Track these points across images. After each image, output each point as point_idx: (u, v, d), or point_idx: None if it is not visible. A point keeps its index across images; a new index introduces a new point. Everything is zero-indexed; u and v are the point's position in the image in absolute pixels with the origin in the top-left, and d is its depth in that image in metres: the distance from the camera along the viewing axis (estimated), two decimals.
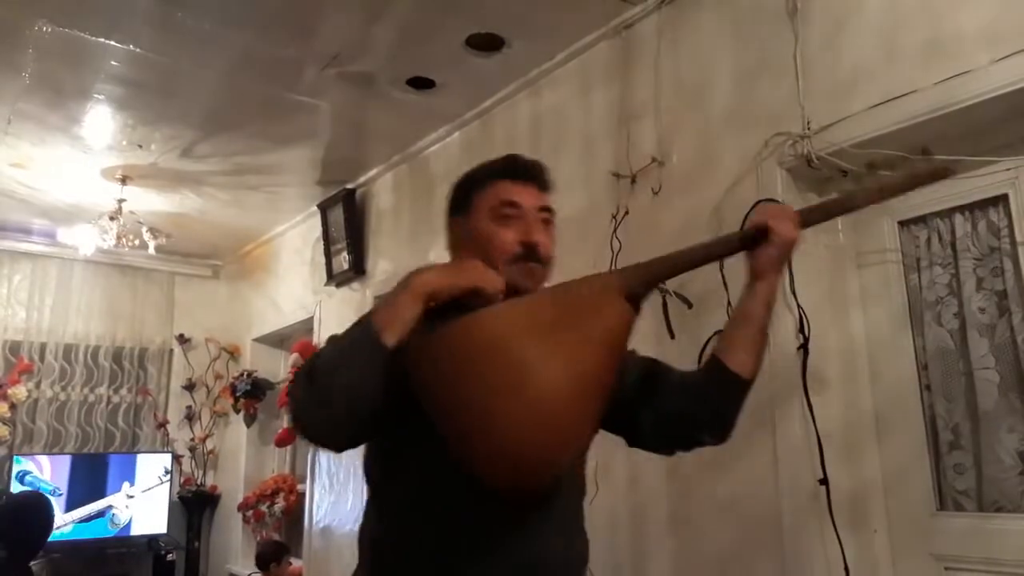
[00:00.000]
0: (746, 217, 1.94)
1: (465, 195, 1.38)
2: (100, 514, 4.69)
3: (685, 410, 1.32)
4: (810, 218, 1.32)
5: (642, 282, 1.18)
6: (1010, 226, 1.81)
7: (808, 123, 1.99)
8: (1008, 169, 1.78)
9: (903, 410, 1.95)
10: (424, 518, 1.19)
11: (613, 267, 2.39)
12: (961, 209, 1.90)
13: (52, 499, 4.13)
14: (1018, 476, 1.76)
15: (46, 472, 4.59)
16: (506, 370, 1.03)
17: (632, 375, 1.34)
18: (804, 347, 1.94)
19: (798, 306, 1.96)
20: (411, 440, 1.18)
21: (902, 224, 2.01)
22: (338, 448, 1.22)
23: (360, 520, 1.31)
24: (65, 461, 4.72)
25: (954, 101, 1.71)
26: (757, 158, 2.10)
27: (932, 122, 1.75)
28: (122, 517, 4.75)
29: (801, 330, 1.95)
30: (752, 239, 1.26)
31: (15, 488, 4.40)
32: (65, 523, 4.49)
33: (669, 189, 2.35)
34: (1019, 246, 1.78)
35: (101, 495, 4.71)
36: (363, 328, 1.10)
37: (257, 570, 4.04)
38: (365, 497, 1.32)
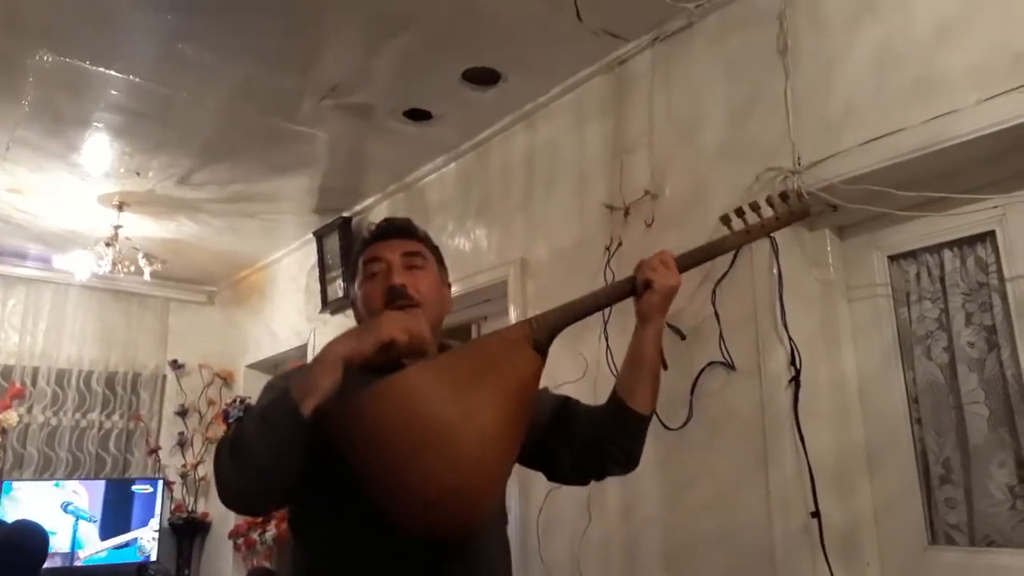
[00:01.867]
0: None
1: (351, 267, 1.50)
2: (127, 544, 4.74)
3: (596, 445, 1.41)
4: (686, 263, 1.43)
5: (546, 330, 1.26)
6: (998, 262, 1.83)
7: (799, 159, 2.02)
8: (995, 207, 1.81)
9: (894, 444, 1.96)
10: (342, 564, 1.25)
11: None
12: (950, 245, 1.93)
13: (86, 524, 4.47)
14: (1009, 510, 1.77)
15: (83, 500, 4.63)
16: (424, 428, 1.10)
17: (546, 414, 1.44)
18: (796, 380, 1.95)
19: (789, 339, 1.97)
20: (329, 490, 1.22)
21: (892, 259, 2.04)
22: (262, 513, 1.28)
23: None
24: (99, 487, 4.76)
25: (942, 139, 1.74)
26: (748, 192, 2.12)
27: (920, 159, 1.78)
28: (148, 548, 4.77)
29: (793, 363, 1.97)
30: (639, 287, 1.38)
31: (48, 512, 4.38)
32: (100, 550, 4.62)
33: (662, 221, 2.38)
34: (1007, 282, 1.80)
35: (127, 521, 4.77)
36: (281, 400, 1.12)
37: None
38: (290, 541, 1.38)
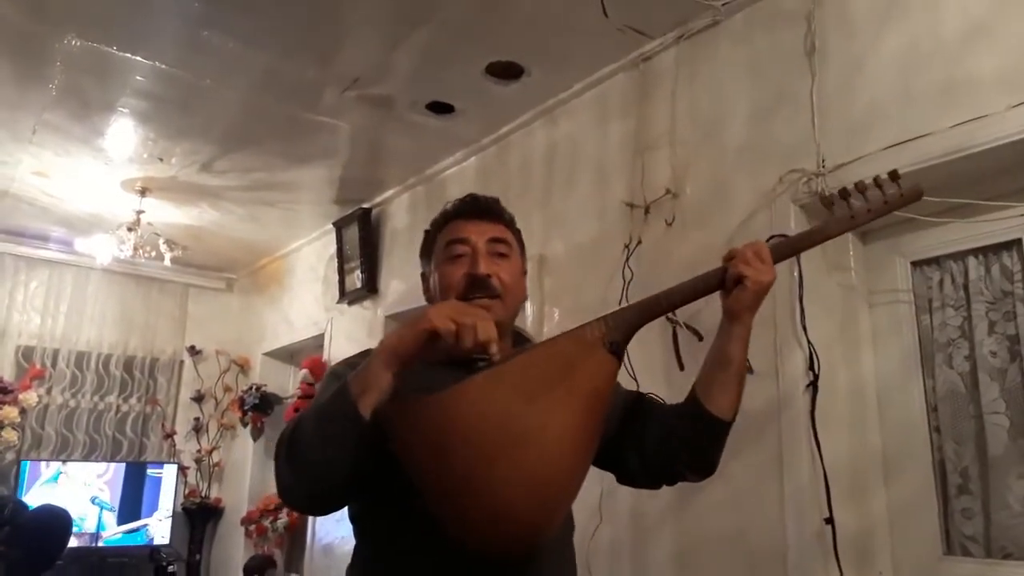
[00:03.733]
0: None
1: (427, 241, 1.42)
2: (138, 529, 4.83)
3: (669, 450, 1.32)
4: (782, 254, 1.30)
5: (622, 330, 1.19)
6: (1023, 271, 1.80)
7: (823, 161, 2.00)
8: (1022, 215, 1.78)
9: (911, 452, 1.94)
10: (402, 563, 1.20)
11: (624, 296, 2.39)
12: (975, 252, 1.90)
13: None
14: None
15: (106, 494, 4.75)
16: (494, 439, 1.03)
17: (618, 411, 1.35)
18: (813, 385, 1.94)
19: (808, 343, 1.96)
20: (392, 492, 1.17)
21: (915, 265, 2.01)
22: (324, 514, 1.24)
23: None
24: (118, 471, 4.87)
25: (969, 145, 1.72)
26: (771, 194, 2.11)
27: (947, 165, 1.75)
28: (154, 533, 4.86)
29: (811, 368, 1.95)
30: (728, 281, 1.26)
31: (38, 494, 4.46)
32: (116, 532, 4.75)
33: (682, 221, 2.36)
34: None
35: (141, 505, 4.87)
36: (338, 399, 1.07)
37: None
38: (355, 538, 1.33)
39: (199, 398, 5.37)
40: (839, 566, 1.83)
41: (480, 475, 1.02)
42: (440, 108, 3.06)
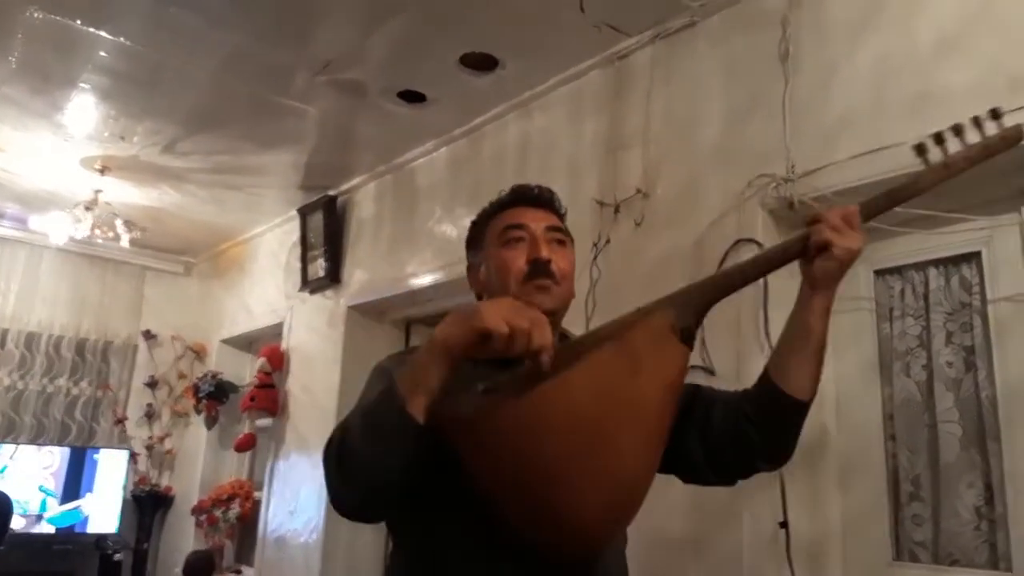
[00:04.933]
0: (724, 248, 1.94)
1: (478, 231, 1.37)
2: (73, 510, 4.71)
3: (739, 439, 1.22)
4: (871, 213, 1.17)
5: (694, 311, 1.10)
6: (981, 283, 1.84)
7: (793, 167, 2.01)
8: (983, 228, 1.81)
9: (867, 458, 1.96)
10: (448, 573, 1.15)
11: (591, 296, 2.39)
12: (936, 263, 1.93)
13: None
14: (974, 531, 1.78)
15: (50, 482, 4.65)
16: (582, 440, 0.97)
17: (678, 406, 1.25)
18: None
19: (771, 348, 1.96)
20: (441, 497, 1.12)
21: (878, 273, 2.04)
22: (378, 522, 1.18)
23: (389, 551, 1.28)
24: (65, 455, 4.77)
25: (937, 157, 1.73)
26: (740, 197, 2.12)
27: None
28: (86, 514, 4.75)
29: None
30: (811, 248, 1.14)
31: None
32: (56, 513, 4.65)
33: (652, 221, 2.36)
34: (989, 303, 1.81)
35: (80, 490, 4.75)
36: (386, 400, 1.01)
37: None
38: (391, 546, 1.28)
39: (153, 384, 5.27)
40: (791, 570, 1.85)
41: (556, 482, 0.97)
42: (412, 97, 3.03)
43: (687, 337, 1.07)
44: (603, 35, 2.51)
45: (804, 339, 1.17)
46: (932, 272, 1.94)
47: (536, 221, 1.30)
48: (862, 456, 1.97)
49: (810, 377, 1.18)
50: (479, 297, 1.35)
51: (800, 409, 1.19)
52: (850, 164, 1.90)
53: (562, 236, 1.32)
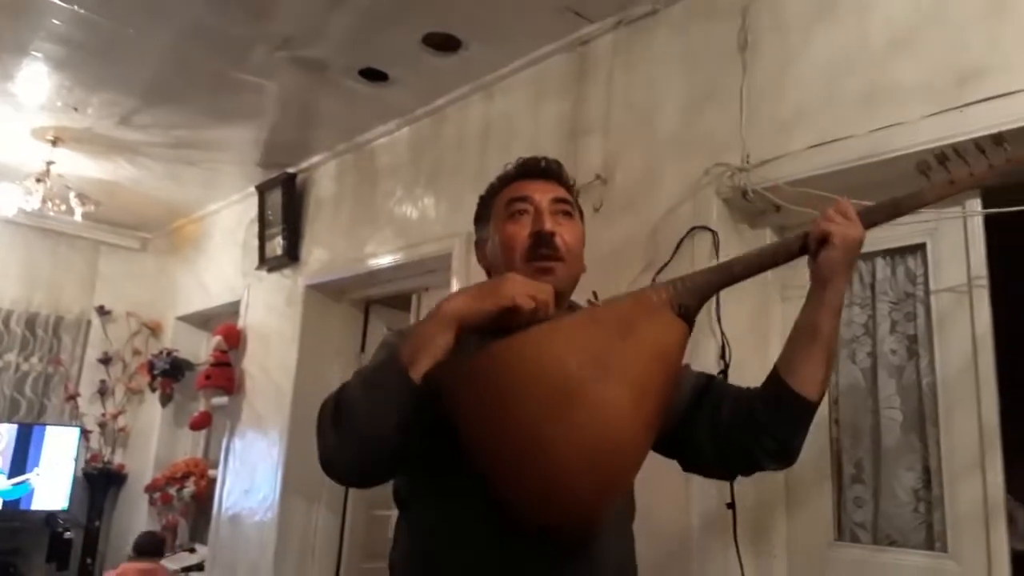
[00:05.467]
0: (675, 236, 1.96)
1: (484, 206, 1.36)
2: (21, 483, 4.64)
3: (745, 435, 1.21)
4: (872, 219, 1.19)
5: (693, 294, 1.09)
6: (926, 274, 1.89)
7: (748, 156, 2.04)
8: (928, 221, 1.86)
9: (812, 442, 1.96)
10: (450, 548, 1.13)
11: None
12: (883, 253, 1.98)
13: None
14: (912, 512, 1.84)
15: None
16: (559, 394, 0.95)
17: (686, 393, 1.26)
18: (723, 373, 1.99)
19: (722, 333, 2.01)
20: (442, 467, 1.11)
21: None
22: (369, 486, 1.17)
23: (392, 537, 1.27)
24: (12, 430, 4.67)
25: (886, 150, 1.79)
26: (696, 185, 2.15)
27: (865, 168, 1.82)
28: (33, 486, 4.67)
29: (723, 357, 2.00)
30: (811, 243, 1.16)
31: None
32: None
33: (610, 207, 2.39)
34: (932, 294, 1.86)
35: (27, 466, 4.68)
36: (389, 362, 1.03)
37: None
38: (395, 518, 1.27)
39: (106, 360, 5.18)
40: (737, 549, 1.90)
41: (539, 435, 0.95)
42: (374, 75, 3.00)
43: (686, 315, 1.08)
44: (566, 20, 2.52)
45: (811, 338, 1.17)
46: (879, 262, 1.99)
47: (542, 193, 1.27)
48: (808, 439, 2.01)
49: (819, 377, 1.17)
50: (488, 273, 1.33)
51: (809, 409, 1.18)
52: (804, 155, 1.93)
53: (569, 208, 1.29)
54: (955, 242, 1.83)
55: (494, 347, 0.98)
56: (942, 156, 1.22)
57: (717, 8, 2.22)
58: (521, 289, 1.04)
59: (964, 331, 1.78)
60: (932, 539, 1.79)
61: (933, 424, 1.82)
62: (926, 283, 1.89)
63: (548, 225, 1.23)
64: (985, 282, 1.76)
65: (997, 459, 1.69)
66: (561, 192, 1.30)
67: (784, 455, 1.23)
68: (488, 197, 1.35)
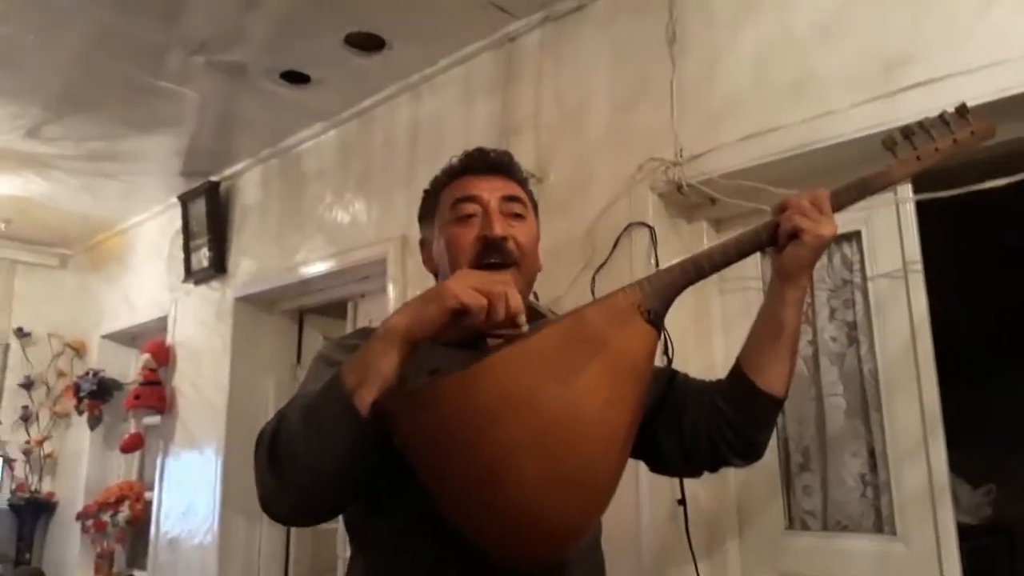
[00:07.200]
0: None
1: (427, 201, 1.27)
2: None
3: (712, 433, 1.17)
4: (841, 202, 1.14)
5: (661, 296, 1.04)
6: (862, 261, 1.91)
7: (681, 151, 2.03)
8: (862, 208, 1.85)
9: None
10: None
11: None
12: None
13: None
14: (860, 498, 1.86)
15: None
16: (526, 425, 0.86)
17: (650, 392, 1.14)
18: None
19: (664, 328, 1.99)
20: (398, 500, 1.02)
21: (764, 253, 2.08)
22: (309, 525, 1.06)
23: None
24: None
25: (817, 140, 1.79)
26: (631, 181, 2.13)
27: (797, 158, 1.82)
28: None
29: (665, 352, 1.99)
30: (782, 237, 1.11)
31: None
32: None
33: (546, 206, 2.30)
34: (869, 280, 1.88)
35: None
36: (331, 391, 0.91)
37: None
38: (348, 550, 1.17)
39: (28, 384, 4.93)
40: (690, 544, 1.88)
41: (505, 472, 0.85)
42: (296, 78, 2.90)
43: (655, 321, 1.01)
44: (492, 16, 2.47)
45: (776, 332, 1.14)
46: None
47: (491, 192, 1.19)
48: None
49: (784, 372, 1.15)
50: (435, 276, 1.25)
51: (777, 405, 1.16)
52: (736, 147, 1.93)
53: (521, 208, 1.21)
54: (889, 228, 1.84)
55: (455, 376, 0.87)
56: (908, 131, 1.17)
57: (643, 3, 2.20)
58: (467, 284, 0.91)
59: (902, 316, 1.80)
60: (881, 523, 1.81)
61: (876, 409, 1.84)
62: (863, 270, 1.90)
63: (497, 229, 1.15)
64: (920, 267, 1.78)
65: (940, 441, 1.71)
66: (512, 188, 1.22)
67: (751, 452, 1.21)
68: (432, 192, 1.27)
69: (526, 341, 0.92)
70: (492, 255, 1.14)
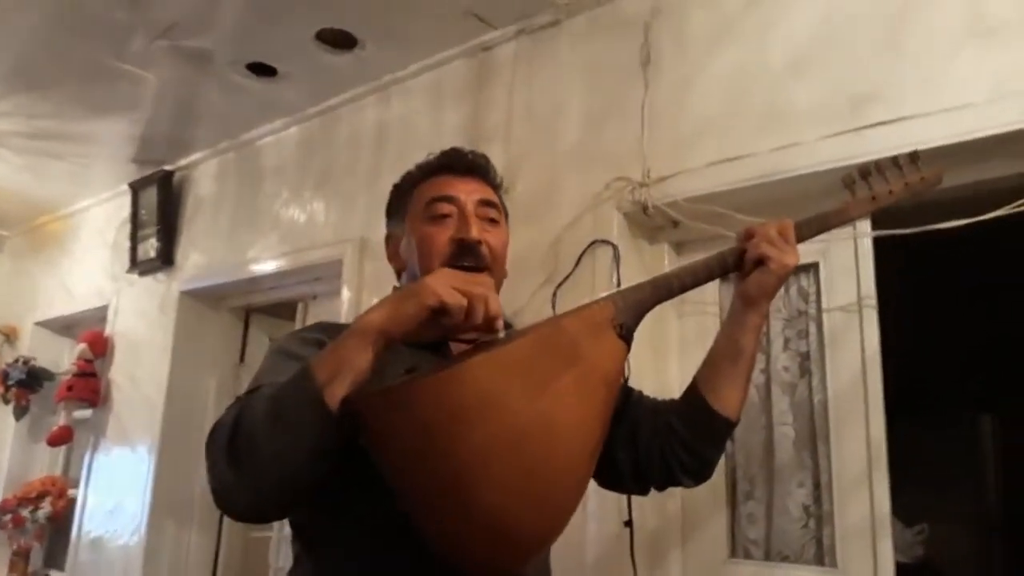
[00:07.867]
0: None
1: (399, 196, 1.25)
2: None
3: (665, 452, 1.19)
4: (803, 235, 1.18)
5: (633, 312, 1.05)
6: (818, 293, 1.93)
7: (648, 172, 2.04)
8: (821, 241, 1.88)
9: None
10: None
11: None
12: None
13: None
14: (802, 528, 1.87)
15: None
16: (503, 429, 0.85)
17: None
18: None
19: None
20: (358, 502, 1.00)
21: (723, 280, 2.10)
22: (264, 522, 1.02)
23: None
24: None
25: (783, 170, 1.82)
26: (597, 199, 2.13)
27: (763, 187, 1.85)
28: None
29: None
30: (747, 263, 1.15)
31: None
32: None
33: (511, 217, 2.31)
34: (824, 312, 1.90)
35: None
36: (299, 385, 0.88)
37: None
38: (294, 549, 1.13)
39: None
40: (634, 566, 1.87)
41: (477, 475, 0.85)
42: (262, 70, 2.84)
43: (627, 336, 1.03)
44: (467, 24, 2.46)
45: (734, 357, 1.17)
46: None
47: (468, 194, 1.18)
48: None
49: (738, 396, 1.18)
50: (398, 274, 1.23)
51: (730, 428, 1.19)
52: (703, 172, 1.94)
53: (495, 214, 1.21)
54: (846, 262, 1.87)
55: (435, 376, 0.86)
56: (865, 171, 1.24)
57: (620, 23, 2.22)
58: (448, 282, 0.90)
59: (854, 349, 1.82)
60: (822, 554, 1.82)
61: (824, 441, 1.85)
62: (818, 301, 1.92)
63: (474, 232, 1.15)
64: (874, 302, 1.81)
65: (883, 475, 1.73)
66: (488, 193, 1.22)
67: (702, 472, 1.23)
68: (405, 187, 1.26)
69: (506, 346, 0.91)
70: (467, 258, 1.13)
